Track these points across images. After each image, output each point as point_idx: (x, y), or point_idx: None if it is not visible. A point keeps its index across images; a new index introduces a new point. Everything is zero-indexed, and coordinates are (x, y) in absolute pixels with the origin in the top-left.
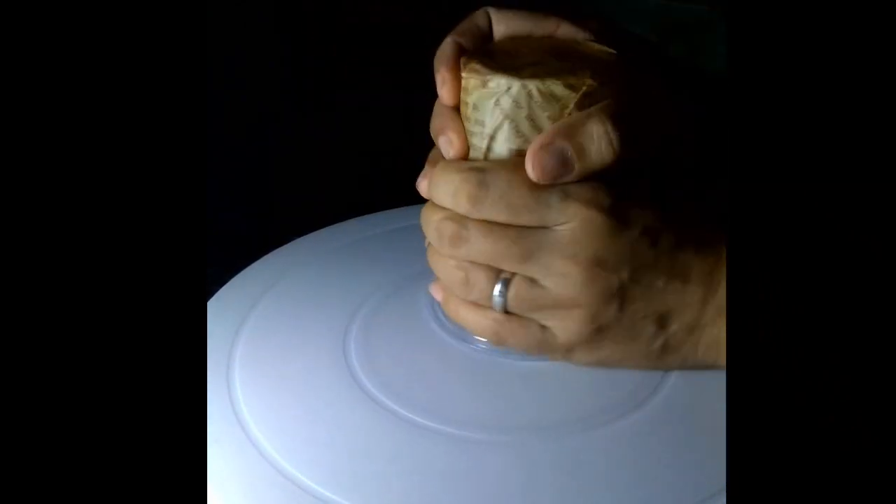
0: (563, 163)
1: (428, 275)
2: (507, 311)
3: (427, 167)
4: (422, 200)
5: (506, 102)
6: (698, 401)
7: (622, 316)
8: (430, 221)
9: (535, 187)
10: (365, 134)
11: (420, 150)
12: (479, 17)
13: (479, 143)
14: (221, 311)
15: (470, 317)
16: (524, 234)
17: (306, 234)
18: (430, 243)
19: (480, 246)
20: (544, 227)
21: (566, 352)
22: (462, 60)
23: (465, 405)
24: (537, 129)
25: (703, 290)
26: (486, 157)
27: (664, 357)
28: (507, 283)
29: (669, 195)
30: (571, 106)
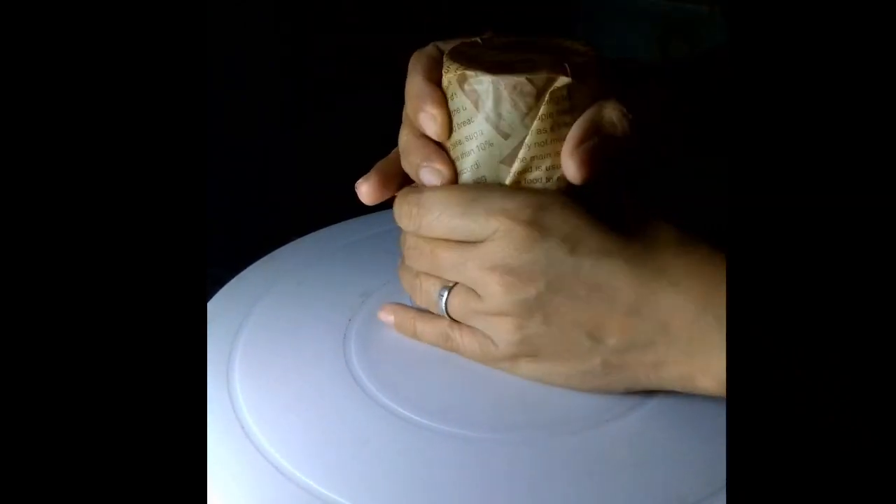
0: (597, 153)
1: None
2: (455, 321)
3: (371, 173)
4: None
5: (480, 94)
6: (698, 400)
7: (550, 328)
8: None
9: (464, 205)
10: (365, 134)
11: None
12: (430, 51)
13: (455, 138)
14: (221, 312)
15: (425, 328)
16: (459, 248)
17: (306, 234)
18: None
19: (426, 259)
20: (476, 241)
21: (510, 362)
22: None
23: (465, 405)
24: (508, 121)
25: (632, 301)
26: (457, 148)
27: (610, 376)
28: (449, 291)
29: (605, 200)
30: (546, 97)
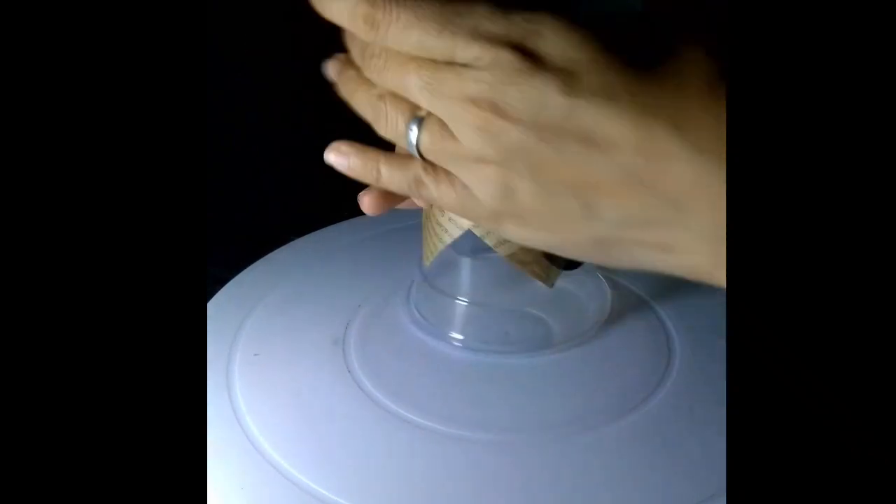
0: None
1: (428, 275)
2: (428, 162)
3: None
4: None
5: None
6: (698, 401)
7: (535, 184)
8: (344, 11)
9: (442, 20)
10: (365, 134)
11: None
12: None
13: None
14: (222, 312)
15: (392, 171)
16: (430, 65)
17: (306, 234)
18: (341, 62)
19: (393, 73)
20: (454, 63)
21: (493, 221)
22: None
23: (465, 405)
24: None
25: (635, 163)
26: None
27: (608, 252)
28: (420, 123)
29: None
30: None
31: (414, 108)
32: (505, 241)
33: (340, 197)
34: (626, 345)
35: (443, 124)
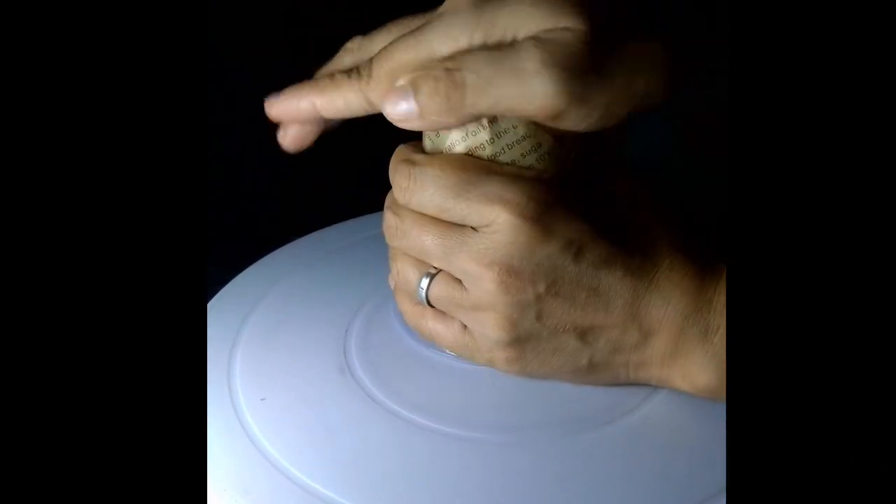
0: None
1: None
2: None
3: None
4: None
5: None
6: (698, 401)
7: (541, 328)
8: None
9: (461, 184)
10: (365, 134)
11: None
12: None
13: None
14: (222, 312)
15: (403, 306)
16: (448, 232)
17: (306, 234)
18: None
19: (410, 239)
20: (468, 227)
21: (488, 358)
22: None
23: (466, 405)
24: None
25: (626, 310)
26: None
27: (593, 374)
28: (431, 279)
29: (607, 203)
30: None
31: (426, 266)
32: None
33: (340, 197)
34: None
35: (454, 279)
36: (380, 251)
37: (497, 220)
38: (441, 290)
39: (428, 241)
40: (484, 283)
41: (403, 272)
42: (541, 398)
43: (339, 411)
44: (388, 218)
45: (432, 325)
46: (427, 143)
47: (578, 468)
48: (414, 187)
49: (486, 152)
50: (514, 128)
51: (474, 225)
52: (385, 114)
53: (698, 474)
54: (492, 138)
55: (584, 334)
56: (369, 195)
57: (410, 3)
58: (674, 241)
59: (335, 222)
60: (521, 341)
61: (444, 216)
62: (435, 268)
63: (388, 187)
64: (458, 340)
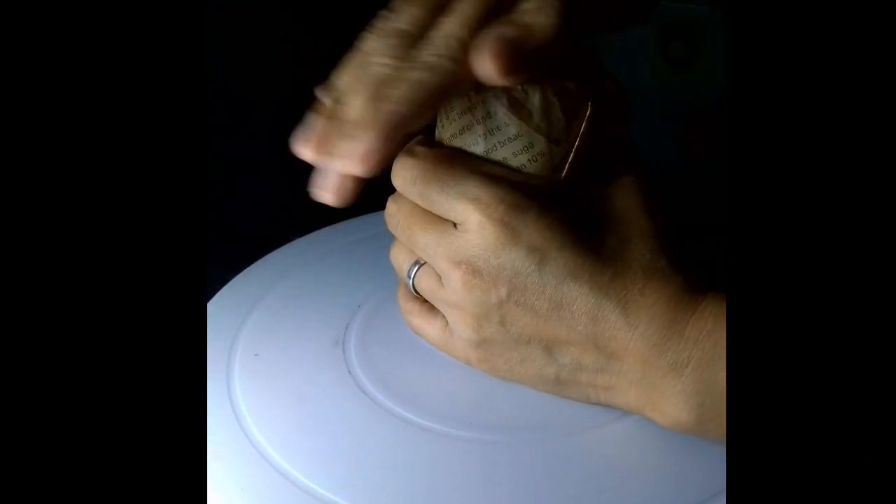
0: (513, 49)
1: None
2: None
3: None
4: None
5: (527, 105)
6: None
7: (506, 334)
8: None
9: (445, 179)
10: None
11: None
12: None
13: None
14: (222, 312)
15: (399, 296)
16: (431, 226)
17: (306, 234)
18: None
19: (402, 231)
20: (450, 223)
21: (465, 354)
22: None
23: (466, 405)
24: (558, 127)
25: (589, 330)
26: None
27: (563, 388)
28: (418, 269)
29: (592, 210)
30: (588, 98)
31: (415, 255)
32: None
33: None
34: None
35: (436, 273)
36: (380, 251)
37: (468, 219)
38: (425, 282)
39: (415, 232)
40: (452, 282)
41: (397, 259)
42: (541, 398)
43: (339, 411)
44: (389, 205)
45: (418, 320)
46: (436, 133)
47: (578, 468)
48: (406, 176)
49: (479, 148)
50: (507, 125)
51: (454, 221)
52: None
53: (698, 474)
54: (484, 134)
55: (549, 347)
56: (369, 195)
57: None
58: (655, 259)
59: (335, 222)
60: (488, 343)
61: (433, 210)
62: (422, 259)
63: (388, 187)
64: (440, 336)
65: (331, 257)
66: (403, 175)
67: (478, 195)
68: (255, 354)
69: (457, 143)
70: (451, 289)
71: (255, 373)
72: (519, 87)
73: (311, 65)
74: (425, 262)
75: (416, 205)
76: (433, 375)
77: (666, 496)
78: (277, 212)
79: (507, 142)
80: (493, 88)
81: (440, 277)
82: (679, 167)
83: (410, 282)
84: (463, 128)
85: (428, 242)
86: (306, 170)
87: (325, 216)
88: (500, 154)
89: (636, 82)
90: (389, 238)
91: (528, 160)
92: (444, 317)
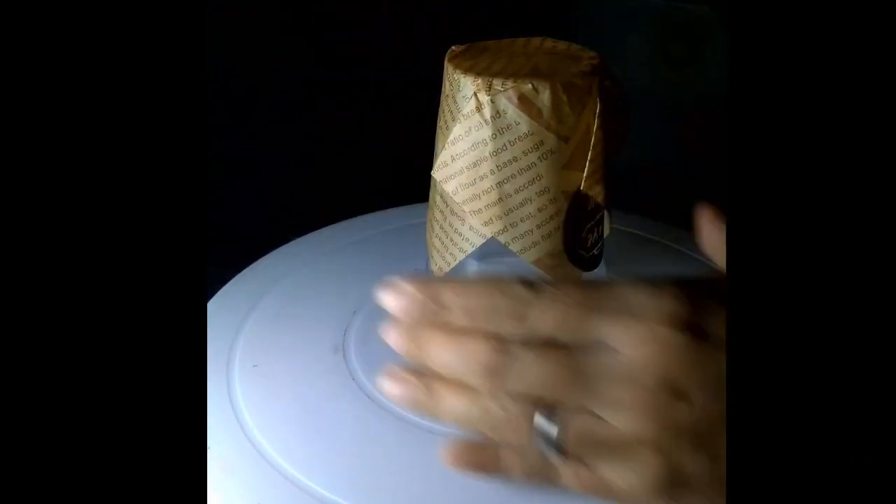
0: None
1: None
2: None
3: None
4: (422, 198)
5: (536, 102)
6: None
7: (702, 456)
8: (462, 353)
9: (590, 300)
10: (365, 134)
11: (420, 150)
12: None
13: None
14: (221, 311)
15: (512, 460)
16: (580, 357)
17: (306, 234)
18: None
19: (528, 373)
20: (606, 349)
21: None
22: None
23: None
24: (568, 124)
25: None
26: (510, 168)
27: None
28: (552, 419)
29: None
30: (594, 93)
31: (545, 404)
32: (531, 247)
33: (340, 197)
34: None
35: (590, 413)
36: (379, 251)
37: (648, 336)
38: (583, 428)
39: (556, 371)
40: (635, 410)
41: (515, 417)
42: None
43: (339, 411)
44: (484, 356)
45: (567, 473)
46: (436, 135)
47: None
48: (531, 309)
49: (489, 149)
50: (517, 124)
51: (614, 345)
52: None
53: None
54: (493, 134)
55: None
56: (369, 195)
57: (406, 4)
58: None
59: (335, 222)
60: (682, 481)
61: (573, 338)
62: (557, 405)
63: (388, 187)
64: (596, 486)
65: (330, 257)
66: (523, 311)
67: (652, 307)
68: (254, 366)
69: (463, 144)
70: (634, 419)
71: (255, 373)
72: (529, 84)
73: (310, 65)
74: (556, 410)
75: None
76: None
77: None
78: (277, 212)
79: (518, 140)
80: (503, 85)
81: (596, 417)
82: (679, 167)
83: (553, 439)
84: (470, 128)
85: (587, 377)
86: (306, 170)
87: (325, 216)
88: (509, 154)
89: (636, 82)
90: (389, 238)
91: (538, 158)
92: (607, 467)
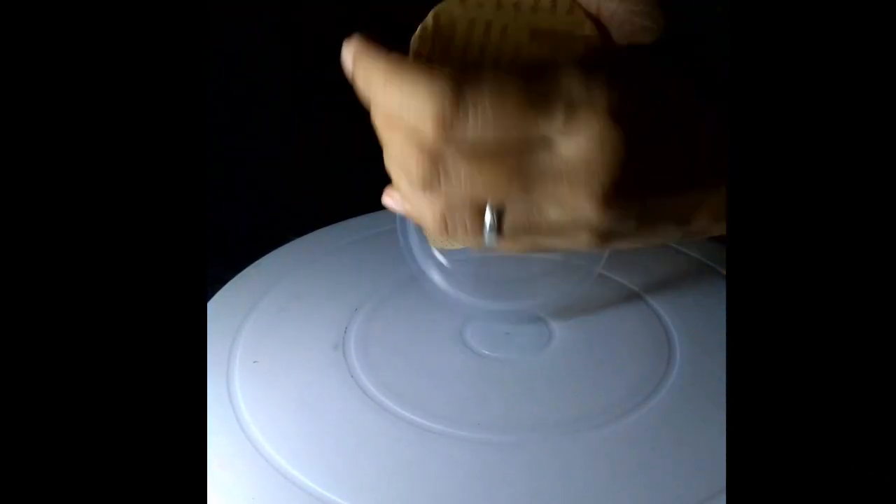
0: None
1: (428, 275)
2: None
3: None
4: None
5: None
6: (698, 400)
7: (638, 228)
8: (393, 158)
9: (529, 96)
10: (365, 134)
11: None
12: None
13: None
14: (221, 311)
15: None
16: (521, 158)
17: (306, 234)
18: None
19: (465, 181)
20: (546, 147)
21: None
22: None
23: (465, 405)
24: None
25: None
26: None
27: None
28: (500, 215)
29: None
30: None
31: (484, 205)
32: None
33: (340, 197)
34: (627, 344)
35: (531, 208)
36: (380, 251)
37: (590, 130)
38: (521, 222)
39: (494, 176)
40: (581, 211)
41: (459, 223)
42: (541, 398)
43: (339, 411)
44: (414, 165)
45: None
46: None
47: (578, 468)
48: (466, 114)
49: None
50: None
51: (557, 142)
52: None
53: (698, 474)
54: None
55: (681, 219)
56: (369, 195)
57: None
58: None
59: (335, 222)
60: (610, 240)
61: (514, 138)
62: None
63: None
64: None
65: (330, 257)
66: (455, 114)
67: (592, 99)
68: (255, 362)
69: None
70: (580, 218)
71: (254, 373)
72: None
73: (311, 65)
74: (502, 204)
75: (471, 147)
76: (433, 375)
77: (666, 496)
78: (277, 212)
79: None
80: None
81: (537, 211)
82: None
83: (494, 233)
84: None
85: (529, 179)
86: (306, 170)
87: (325, 216)
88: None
89: None
90: (389, 238)
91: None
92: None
